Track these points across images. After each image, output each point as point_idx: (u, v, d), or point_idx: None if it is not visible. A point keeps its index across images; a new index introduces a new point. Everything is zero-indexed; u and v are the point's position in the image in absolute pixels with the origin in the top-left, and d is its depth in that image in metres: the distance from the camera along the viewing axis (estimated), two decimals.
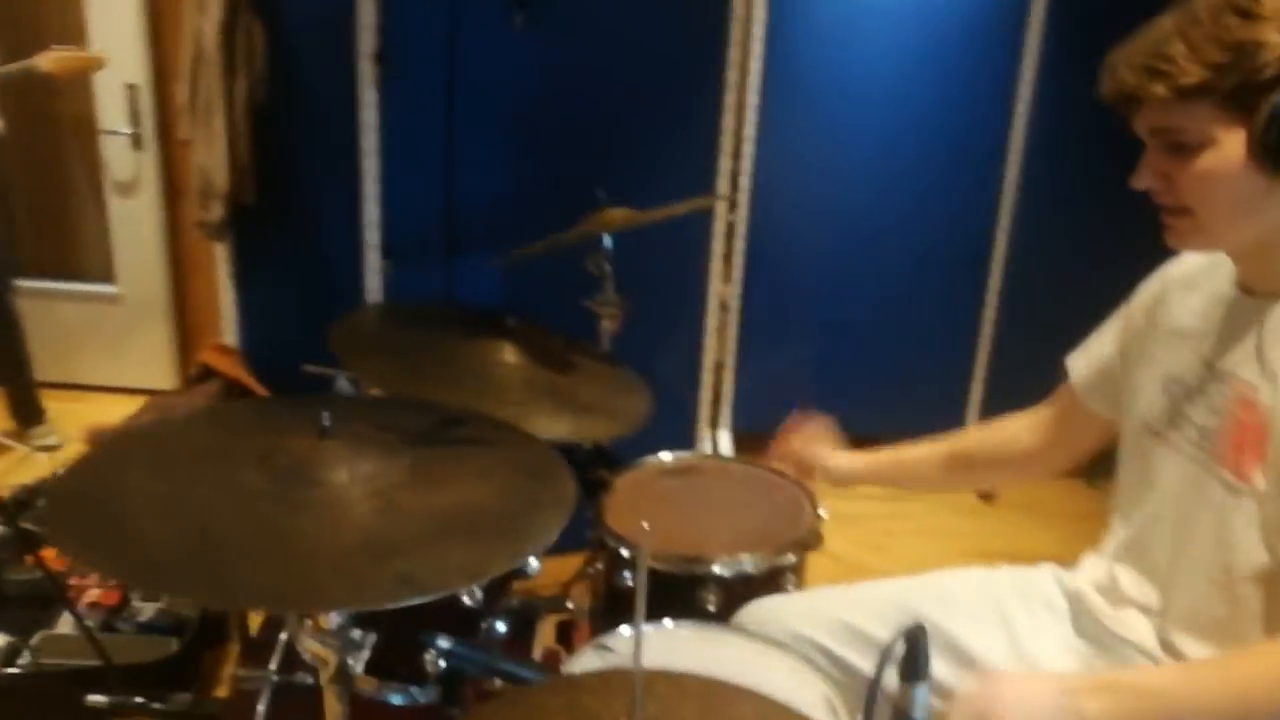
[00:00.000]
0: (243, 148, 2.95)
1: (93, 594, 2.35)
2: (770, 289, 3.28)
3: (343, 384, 1.33)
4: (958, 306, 3.33)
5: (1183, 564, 1.24)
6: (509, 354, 1.79)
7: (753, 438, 3.45)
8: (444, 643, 1.18)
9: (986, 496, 3.29)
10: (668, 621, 1.45)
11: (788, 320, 3.33)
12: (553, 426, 1.63)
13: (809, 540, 1.78)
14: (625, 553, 1.72)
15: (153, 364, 3.64)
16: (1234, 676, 1.12)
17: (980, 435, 1.67)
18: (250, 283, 3.09)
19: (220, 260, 3.19)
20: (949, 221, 3.21)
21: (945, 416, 3.45)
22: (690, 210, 2.06)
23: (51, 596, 2.24)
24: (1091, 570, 1.42)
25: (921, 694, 0.70)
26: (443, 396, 1.58)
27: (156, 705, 2.06)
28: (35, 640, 2.16)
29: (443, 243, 2.24)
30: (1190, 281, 1.32)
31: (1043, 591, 1.46)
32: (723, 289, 3.27)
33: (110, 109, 3.33)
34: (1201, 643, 1.23)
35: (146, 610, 2.32)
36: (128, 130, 3.36)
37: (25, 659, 2.13)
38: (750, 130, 3.03)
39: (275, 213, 2.80)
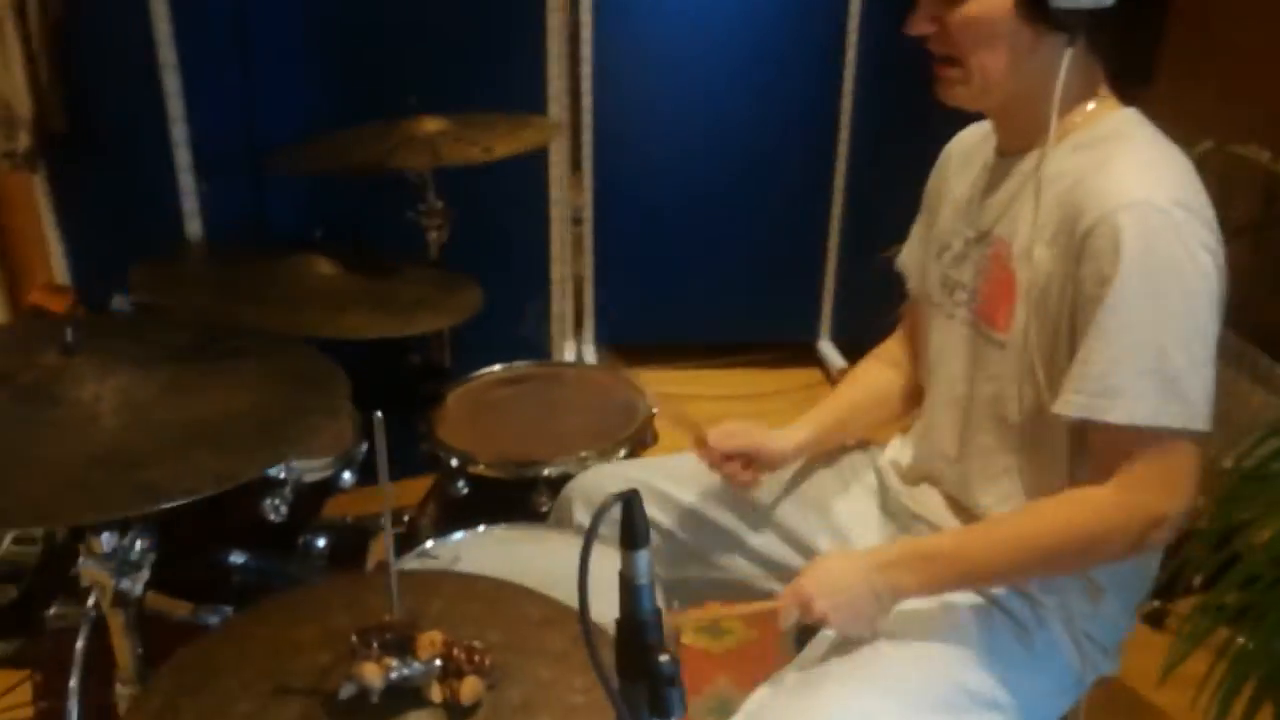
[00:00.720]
0: (44, 69, 2.75)
1: None
2: (622, 199, 3.25)
3: (119, 302, 1.26)
4: (808, 204, 3.36)
5: (969, 426, 1.29)
6: (324, 266, 1.74)
7: (616, 349, 3.47)
8: (236, 558, 1.16)
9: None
10: (482, 526, 1.45)
11: (641, 230, 3.31)
12: (373, 325, 1.60)
13: (641, 437, 1.80)
14: (455, 463, 1.72)
15: None
16: (1026, 533, 1.17)
17: (882, 374, 1.54)
18: (72, 215, 2.91)
19: (39, 193, 3.00)
20: (793, 118, 3.21)
21: (801, 319, 3.52)
22: (531, 145, 2.01)
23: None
24: (895, 447, 1.47)
25: (642, 560, 0.71)
26: (256, 314, 1.53)
27: None
28: None
29: (250, 161, 2.13)
30: (967, 154, 1.35)
31: (855, 467, 1.51)
32: (576, 200, 3.23)
33: None
34: (994, 504, 1.27)
35: None
36: None
37: None
38: (587, 33, 2.96)
39: (87, 138, 2.63)
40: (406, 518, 1.88)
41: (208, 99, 2.18)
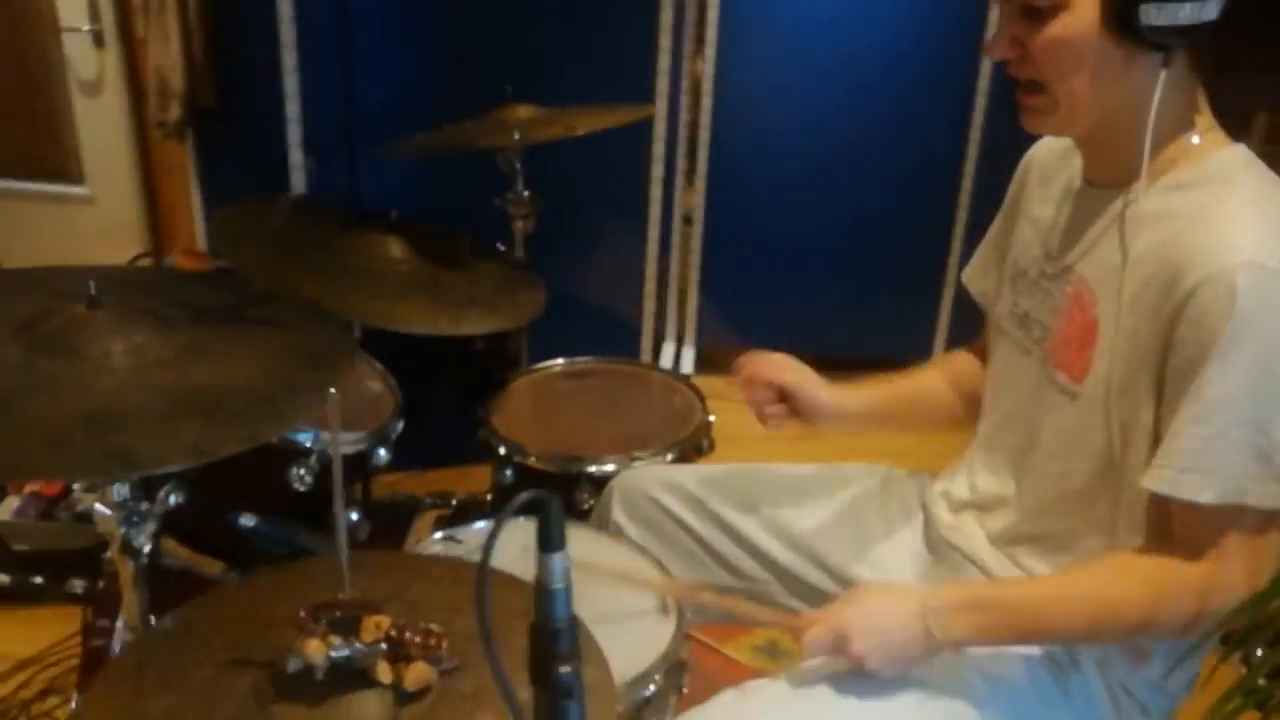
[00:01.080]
0: (198, 46, 2.92)
1: (34, 484, 2.40)
2: (735, 201, 3.20)
3: (169, 260, 1.31)
4: (929, 222, 3.23)
5: (1026, 471, 1.21)
6: (395, 248, 1.76)
7: (716, 354, 3.42)
8: (246, 520, 1.18)
9: None
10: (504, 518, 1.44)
11: (753, 234, 3.25)
12: (420, 319, 1.61)
13: (696, 443, 1.76)
14: (503, 451, 1.73)
15: None
16: (1102, 599, 1.08)
17: (938, 384, 1.46)
18: (212, 184, 3.08)
19: (187, 162, 3.19)
20: (921, 133, 3.09)
21: (913, 338, 3.39)
22: (616, 123, 1.99)
23: None
24: (946, 479, 1.39)
25: (558, 563, 0.68)
26: (309, 286, 1.56)
27: (65, 589, 2.12)
28: None
29: (347, 139, 2.20)
30: (1049, 168, 1.26)
31: (902, 495, 1.44)
32: (686, 200, 3.20)
33: (70, 5, 3.30)
34: (1039, 552, 1.19)
35: (87, 500, 2.35)
36: (88, 27, 3.32)
37: None
38: (712, 33, 2.92)
39: (227, 111, 2.78)
40: (455, 501, 1.89)
41: (316, 78, 2.26)
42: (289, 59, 2.24)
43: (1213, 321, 0.96)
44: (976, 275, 1.41)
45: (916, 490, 1.44)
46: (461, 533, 1.43)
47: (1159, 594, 1.03)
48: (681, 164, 2.96)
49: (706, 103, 3.03)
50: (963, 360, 1.46)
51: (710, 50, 2.93)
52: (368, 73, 2.24)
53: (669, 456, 1.70)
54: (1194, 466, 0.98)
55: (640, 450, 1.70)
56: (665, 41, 2.51)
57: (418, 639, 0.89)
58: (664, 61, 2.53)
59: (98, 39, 3.32)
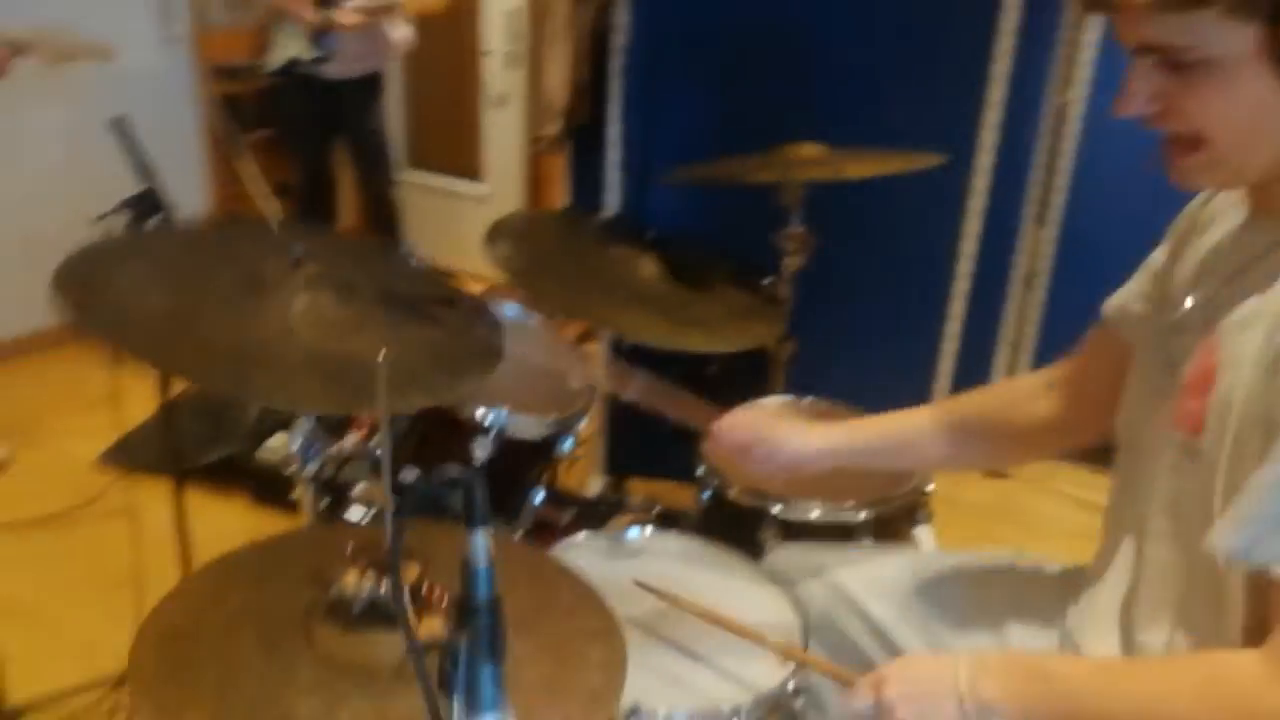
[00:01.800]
0: (584, 70, 3.25)
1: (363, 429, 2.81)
2: (1090, 261, 2.89)
3: (404, 249, 1.49)
4: None
5: (1149, 537, 1.05)
6: (648, 266, 1.85)
7: None
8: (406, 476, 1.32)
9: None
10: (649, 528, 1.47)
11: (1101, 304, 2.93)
12: (639, 328, 1.68)
13: (904, 508, 1.66)
14: (702, 473, 1.74)
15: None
16: (1153, 694, 0.95)
17: (985, 398, 1.37)
18: (581, 196, 3.40)
19: (562, 174, 3.55)
20: None
21: None
22: (891, 170, 1.94)
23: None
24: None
25: (480, 540, 0.71)
26: (550, 285, 1.70)
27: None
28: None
29: (643, 163, 2.33)
30: (1213, 217, 1.07)
31: (1043, 591, 1.28)
32: (1027, 261, 2.99)
33: (493, 32, 3.82)
34: (1161, 626, 1.04)
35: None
36: (504, 49, 3.83)
37: None
38: (1081, 91, 2.70)
39: (597, 130, 3.06)
40: (656, 510, 1.94)
41: (632, 104, 2.43)
42: (615, 85, 2.43)
43: None
44: (1116, 298, 1.22)
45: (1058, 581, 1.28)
46: (621, 533, 1.49)
47: (1220, 699, 0.89)
48: (1031, 210, 2.76)
49: (1066, 161, 2.80)
50: (997, 395, 1.35)
51: (1075, 109, 2.71)
52: (669, 101, 2.37)
53: (867, 517, 1.63)
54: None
55: (840, 502, 1.63)
56: (995, 93, 2.37)
57: (441, 595, 0.95)
58: (991, 114, 2.39)
59: (511, 60, 3.82)
